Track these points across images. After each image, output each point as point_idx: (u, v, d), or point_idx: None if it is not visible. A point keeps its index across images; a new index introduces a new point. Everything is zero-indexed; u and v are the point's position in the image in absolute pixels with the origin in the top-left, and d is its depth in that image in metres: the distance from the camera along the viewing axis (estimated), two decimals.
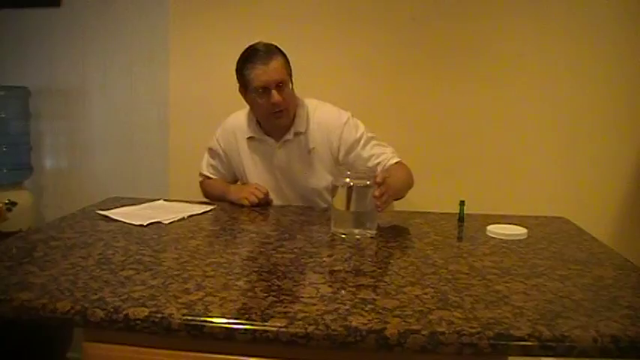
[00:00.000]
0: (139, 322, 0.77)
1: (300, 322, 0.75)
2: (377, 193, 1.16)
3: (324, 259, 1.06)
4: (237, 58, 1.49)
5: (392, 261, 1.04)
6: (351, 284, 0.91)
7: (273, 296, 0.84)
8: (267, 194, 1.53)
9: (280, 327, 0.74)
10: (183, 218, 1.35)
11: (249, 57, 1.45)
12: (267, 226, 1.34)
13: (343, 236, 1.20)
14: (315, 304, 0.81)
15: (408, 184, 1.50)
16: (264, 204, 1.52)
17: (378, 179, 1.17)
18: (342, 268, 1.00)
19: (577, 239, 1.24)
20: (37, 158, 2.22)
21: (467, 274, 0.97)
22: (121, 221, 1.29)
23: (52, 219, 1.35)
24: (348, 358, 0.78)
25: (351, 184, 1.19)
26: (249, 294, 0.85)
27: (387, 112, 2.00)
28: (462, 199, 1.39)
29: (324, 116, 1.55)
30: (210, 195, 1.67)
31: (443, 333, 0.73)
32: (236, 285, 0.89)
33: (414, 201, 1.98)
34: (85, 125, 2.21)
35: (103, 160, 2.21)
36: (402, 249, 1.13)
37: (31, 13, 2.15)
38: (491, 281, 0.93)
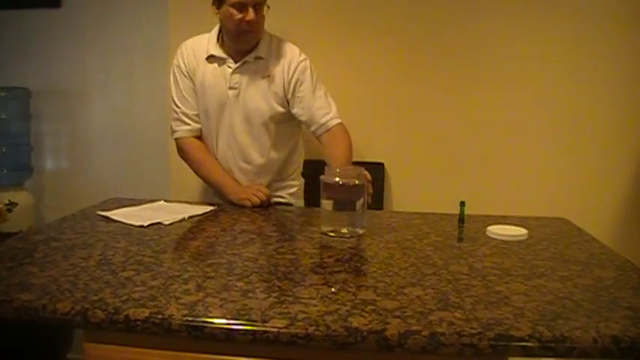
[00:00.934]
0: (139, 322, 0.77)
1: (301, 323, 0.75)
2: (371, 191, 1.25)
3: (325, 259, 1.06)
4: None
5: (392, 262, 1.04)
6: (351, 285, 0.91)
7: (274, 297, 0.84)
8: (269, 196, 1.53)
9: (281, 328, 0.75)
10: (183, 219, 1.35)
11: None
12: (268, 226, 1.35)
13: (332, 234, 1.21)
14: (315, 305, 0.81)
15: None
16: (265, 205, 1.52)
17: (370, 178, 1.26)
18: (342, 268, 1.00)
19: (577, 240, 1.24)
20: (38, 159, 2.22)
21: (467, 274, 0.97)
22: (121, 222, 1.29)
23: (53, 220, 1.35)
24: (349, 359, 0.78)
25: (341, 182, 1.20)
26: (250, 295, 0.85)
27: (388, 113, 2.01)
28: (463, 199, 1.39)
29: (286, 48, 1.62)
30: (202, 170, 1.61)
31: (443, 334, 0.73)
32: (236, 286, 0.89)
33: (414, 201, 1.98)
34: (85, 126, 2.21)
35: (103, 161, 2.21)
36: (403, 250, 1.13)
37: (32, 14, 2.15)
38: (491, 282, 0.93)
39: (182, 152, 1.65)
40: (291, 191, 1.72)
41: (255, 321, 0.76)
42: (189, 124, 1.61)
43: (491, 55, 1.93)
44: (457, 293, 0.87)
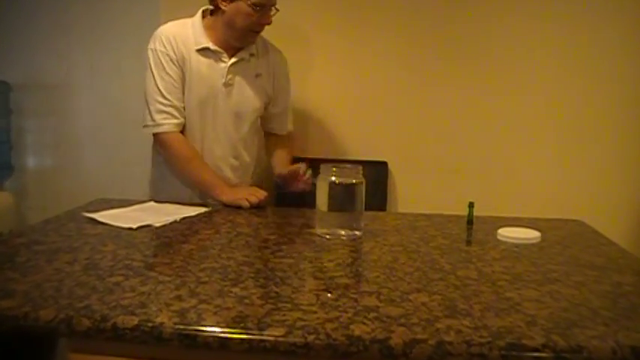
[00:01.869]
0: (128, 331, 0.77)
1: (300, 331, 0.75)
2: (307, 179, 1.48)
3: (325, 264, 1.06)
4: None
5: (396, 266, 1.04)
6: (353, 291, 0.91)
7: (271, 304, 0.84)
8: (266, 197, 1.53)
9: (278, 336, 0.74)
10: (175, 221, 1.34)
11: None
12: (265, 229, 1.35)
13: (328, 237, 1.21)
14: (315, 312, 0.81)
15: None
16: (263, 205, 1.52)
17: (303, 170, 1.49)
18: (343, 273, 1.00)
19: (594, 243, 1.24)
20: (19, 157, 2.21)
21: (476, 280, 0.97)
22: (109, 224, 1.29)
23: (36, 222, 1.35)
24: None
25: (337, 181, 1.20)
26: (246, 301, 0.85)
27: (393, 112, 2.01)
28: (471, 200, 1.39)
29: (269, 46, 1.69)
30: (191, 168, 1.59)
31: (451, 343, 0.73)
32: (231, 292, 0.89)
33: (419, 202, 1.98)
34: (70, 122, 2.20)
35: (90, 159, 2.21)
36: (408, 253, 1.13)
37: (12, 2, 2.14)
38: (502, 288, 0.93)
39: (167, 148, 1.60)
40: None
41: (251, 329, 0.76)
42: (177, 118, 1.58)
43: (500, 51, 1.94)
44: (465, 299, 0.87)
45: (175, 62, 1.57)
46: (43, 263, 1.02)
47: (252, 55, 1.63)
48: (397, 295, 0.89)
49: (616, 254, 1.15)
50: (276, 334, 0.75)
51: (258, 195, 1.52)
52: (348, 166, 1.24)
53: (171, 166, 1.64)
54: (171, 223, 1.32)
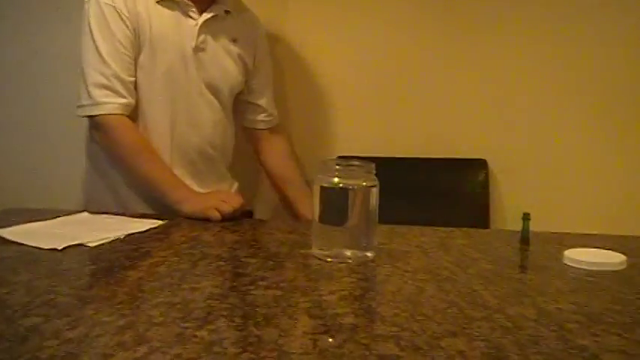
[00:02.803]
0: None
1: None
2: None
3: (325, 297, 1.05)
4: None
5: (422, 300, 1.04)
6: (363, 335, 0.90)
7: (250, 352, 0.83)
8: (242, 204, 1.53)
9: None
10: (118, 239, 1.34)
11: None
12: (243, 249, 1.35)
13: (328, 260, 1.21)
14: None
15: None
16: (238, 217, 1.52)
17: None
18: (350, 310, 1.00)
19: None
20: None
21: (535, 320, 0.96)
22: (23, 244, 1.28)
23: None
24: None
25: (340, 184, 1.19)
26: (215, 349, 0.84)
27: (412, 97, 2.06)
28: (526, 211, 1.39)
29: (249, 10, 1.79)
30: (141, 162, 1.60)
31: None
32: (195, 336, 0.88)
33: None
34: None
35: None
36: (438, 283, 1.13)
37: None
38: (571, 333, 0.92)
39: (107, 136, 1.58)
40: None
41: None
42: (123, 97, 1.56)
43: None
44: (520, 348, 0.86)
45: (126, 20, 1.55)
46: None
47: (227, 12, 1.67)
48: (423, 340, 0.88)
49: None
50: None
51: (233, 202, 1.52)
52: (357, 162, 1.23)
53: (113, 161, 1.63)
54: (111, 242, 1.32)
